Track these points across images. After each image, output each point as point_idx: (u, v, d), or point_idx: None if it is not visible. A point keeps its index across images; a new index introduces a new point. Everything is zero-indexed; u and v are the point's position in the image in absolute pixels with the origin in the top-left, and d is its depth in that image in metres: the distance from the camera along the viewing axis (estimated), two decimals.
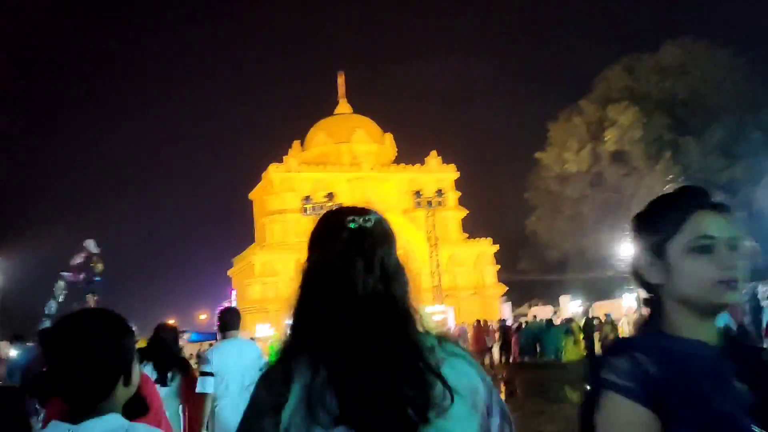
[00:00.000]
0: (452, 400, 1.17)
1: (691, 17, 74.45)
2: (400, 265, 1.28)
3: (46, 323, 15.19)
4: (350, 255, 1.22)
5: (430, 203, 28.25)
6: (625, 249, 46.51)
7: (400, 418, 1.13)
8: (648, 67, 49.71)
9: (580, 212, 52.94)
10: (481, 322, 20.63)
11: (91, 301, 20.49)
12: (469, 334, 20.03)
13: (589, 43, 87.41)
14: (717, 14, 71.54)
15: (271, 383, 1.21)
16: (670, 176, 45.97)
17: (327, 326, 1.19)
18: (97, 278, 21.51)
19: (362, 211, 1.29)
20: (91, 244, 21.75)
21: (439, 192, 28.62)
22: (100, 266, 21.55)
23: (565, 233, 53.43)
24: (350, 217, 1.27)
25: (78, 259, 21.34)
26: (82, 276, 21.23)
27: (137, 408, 1.62)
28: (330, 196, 25.63)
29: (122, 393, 1.51)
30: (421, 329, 1.24)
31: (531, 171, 55.26)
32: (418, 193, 28.51)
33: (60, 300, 21.00)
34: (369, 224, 1.27)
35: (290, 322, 1.27)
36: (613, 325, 20.15)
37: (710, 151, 45.51)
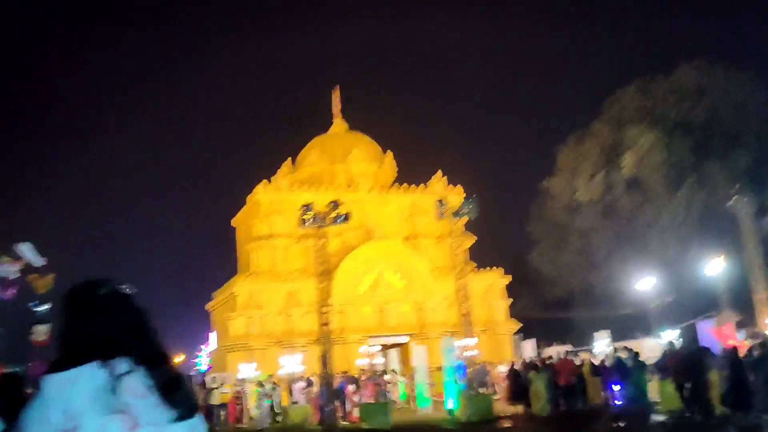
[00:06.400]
0: None
1: (704, 41, 70.77)
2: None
3: None
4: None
5: (457, 214, 23.21)
6: (641, 285, 42.16)
7: None
8: (663, 88, 46.29)
9: (589, 245, 48.90)
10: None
11: (42, 334, 14.89)
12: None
13: (597, 68, 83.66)
14: (731, 37, 68.98)
15: None
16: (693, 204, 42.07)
17: None
18: (39, 306, 15.06)
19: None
20: (27, 250, 15.35)
21: (469, 200, 23.73)
22: (44, 283, 15.76)
23: (571, 268, 49.30)
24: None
25: (6, 268, 15.02)
26: (9, 292, 15.00)
27: None
28: (334, 204, 20.95)
29: None
30: None
31: (535, 201, 51.28)
32: (441, 203, 23.55)
33: None
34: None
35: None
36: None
37: (737, 177, 41.62)
